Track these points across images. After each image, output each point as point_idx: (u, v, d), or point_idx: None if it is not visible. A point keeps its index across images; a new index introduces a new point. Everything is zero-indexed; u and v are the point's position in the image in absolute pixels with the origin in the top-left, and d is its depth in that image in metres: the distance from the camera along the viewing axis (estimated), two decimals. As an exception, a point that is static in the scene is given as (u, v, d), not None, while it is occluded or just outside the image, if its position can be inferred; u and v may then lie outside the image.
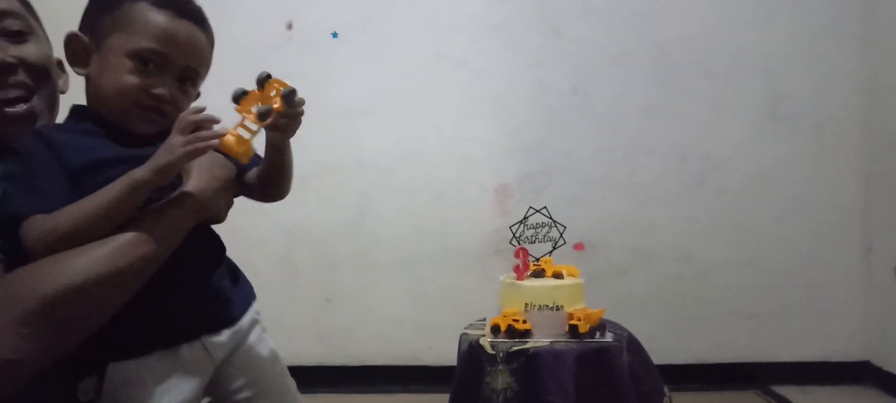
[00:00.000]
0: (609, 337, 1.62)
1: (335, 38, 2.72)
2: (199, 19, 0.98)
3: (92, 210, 0.80)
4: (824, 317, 2.69)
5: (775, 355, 2.70)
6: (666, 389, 1.73)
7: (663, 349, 2.54)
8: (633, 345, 1.70)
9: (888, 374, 2.54)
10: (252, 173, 1.06)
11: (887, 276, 2.53)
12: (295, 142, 0.98)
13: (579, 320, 1.58)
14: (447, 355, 1.90)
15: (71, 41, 0.95)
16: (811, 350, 2.69)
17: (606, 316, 1.72)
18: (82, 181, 0.85)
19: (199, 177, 0.93)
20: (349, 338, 2.76)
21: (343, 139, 2.71)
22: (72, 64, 0.97)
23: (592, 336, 1.59)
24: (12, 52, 0.92)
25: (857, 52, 2.66)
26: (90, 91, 0.96)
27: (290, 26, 2.71)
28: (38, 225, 0.80)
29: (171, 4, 0.94)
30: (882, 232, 2.59)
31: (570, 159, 2.71)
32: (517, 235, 1.74)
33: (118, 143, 0.92)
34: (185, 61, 0.96)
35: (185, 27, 0.95)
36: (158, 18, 0.92)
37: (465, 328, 1.79)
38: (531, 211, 1.75)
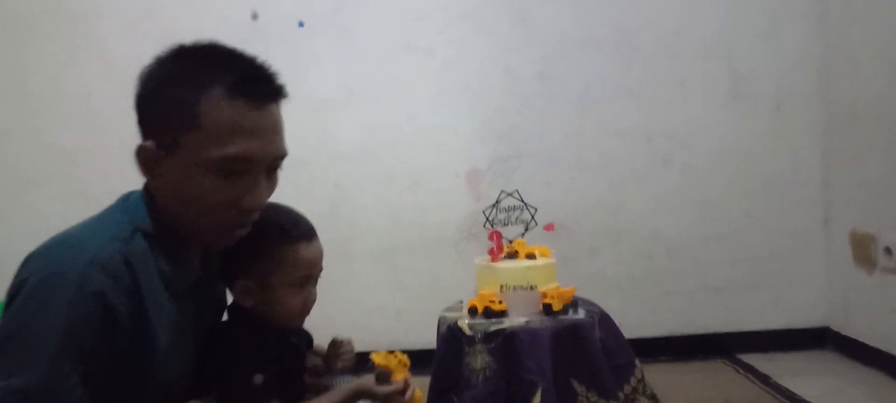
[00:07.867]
0: (581, 314, 1.68)
1: (301, 28, 2.70)
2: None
3: None
4: (788, 287, 2.80)
5: (743, 325, 2.80)
6: (637, 361, 1.80)
7: (635, 324, 2.62)
8: (605, 321, 1.77)
9: (847, 338, 2.66)
10: None
11: (845, 245, 2.64)
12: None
13: (553, 298, 1.64)
14: (427, 339, 1.94)
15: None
16: (776, 319, 2.80)
17: (579, 294, 1.78)
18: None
19: None
20: (330, 328, 2.77)
21: (316, 131, 2.72)
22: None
23: (566, 314, 1.65)
24: None
25: (813, 31, 2.75)
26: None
27: (255, 16, 2.68)
28: None
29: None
30: (840, 203, 2.70)
31: (540, 144, 2.76)
32: (490, 219, 1.79)
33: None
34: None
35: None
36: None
37: (444, 310, 1.84)
38: (503, 194, 1.80)
